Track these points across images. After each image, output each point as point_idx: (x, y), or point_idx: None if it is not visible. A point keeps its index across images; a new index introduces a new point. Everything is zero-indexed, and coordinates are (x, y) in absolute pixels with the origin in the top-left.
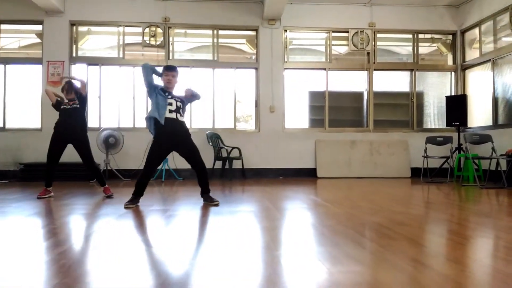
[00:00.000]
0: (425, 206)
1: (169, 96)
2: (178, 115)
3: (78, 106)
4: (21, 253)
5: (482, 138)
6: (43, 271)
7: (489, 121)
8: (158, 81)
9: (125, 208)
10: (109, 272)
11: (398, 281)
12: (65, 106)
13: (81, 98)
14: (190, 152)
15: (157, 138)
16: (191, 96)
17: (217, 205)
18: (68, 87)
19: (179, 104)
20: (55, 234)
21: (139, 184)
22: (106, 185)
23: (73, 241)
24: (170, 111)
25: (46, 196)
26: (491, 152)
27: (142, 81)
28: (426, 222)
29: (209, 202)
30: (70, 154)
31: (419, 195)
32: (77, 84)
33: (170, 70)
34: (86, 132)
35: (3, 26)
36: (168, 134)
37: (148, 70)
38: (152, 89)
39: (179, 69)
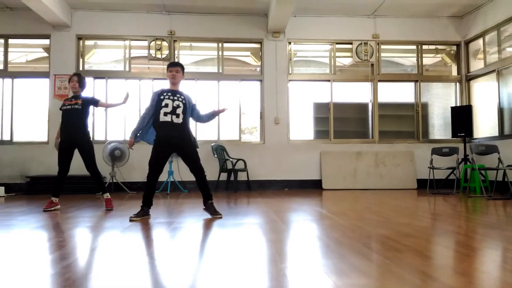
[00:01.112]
0: (432, 218)
1: (167, 96)
2: (174, 117)
3: (79, 107)
4: (27, 266)
5: (488, 148)
6: (49, 285)
7: (495, 132)
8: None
9: (130, 220)
10: (114, 286)
11: None
12: (66, 107)
13: (87, 101)
14: (187, 156)
15: (155, 142)
16: (212, 116)
17: (220, 217)
18: (79, 81)
19: (176, 104)
20: (61, 247)
21: (145, 193)
22: (109, 197)
23: (79, 255)
24: (165, 114)
25: (52, 208)
26: (498, 163)
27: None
28: (433, 234)
29: (212, 214)
30: (77, 167)
31: (426, 206)
32: (112, 101)
33: (173, 65)
34: (89, 135)
35: (11, 41)
36: (163, 138)
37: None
38: (156, 98)
39: (183, 82)
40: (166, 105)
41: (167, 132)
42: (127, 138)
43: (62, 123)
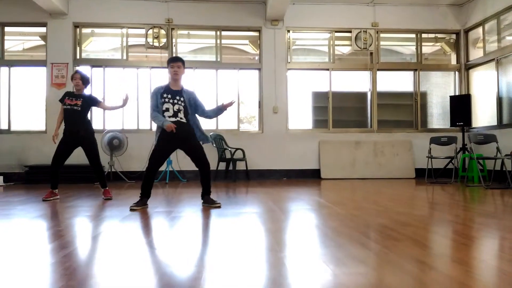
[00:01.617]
0: (430, 207)
1: (167, 99)
2: (178, 118)
3: (78, 109)
4: (26, 255)
5: (486, 138)
6: (48, 274)
7: (493, 121)
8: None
9: (130, 210)
10: (114, 275)
11: (403, 282)
12: (66, 106)
13: (90, 101)
14: (192, 150)
15: (160, 136)
16: (220, 111)
17: (219, 207)
18: (82, 79)
19: (177, 108)
20: (60, 237)
21: (143, 184)
22: (107, 188)
23: (78, 244)
24: (169, 117)
25: (52, 198)
26: (496, 152)
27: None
28: (431, 223)
29: (210, 204)
30: (75, 156)
31: (424, 195)
32: (110, 104)
33: (175, 61)
34: (93, 131)
35: (7, 29)
36: (170, 136)
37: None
38: (158, 97)
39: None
40: (167, 109)
41: (176, 131)
42: (125, 127)
43: (64, 118)
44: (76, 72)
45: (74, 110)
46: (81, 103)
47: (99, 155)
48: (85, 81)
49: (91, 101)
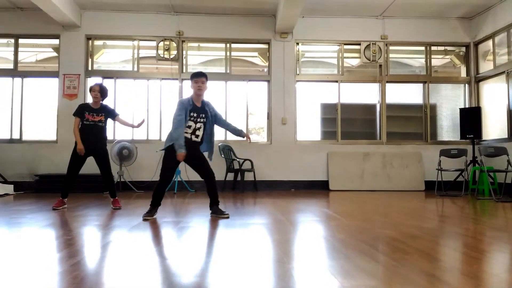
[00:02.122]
0: (440, 220)
1: (191, 118)
2: (193, 136)
3: (103, 125)
4: (35, 264)
5: (497, 150)
6: (56, 283)
7: (504, 134)
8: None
9: (144, 220)
10: (121, 284)
11: None
12: (89, 122)
13: (109, 114)
14: (199, 164)
15: (170, 152)
16: (239, 134)
17: (227, 217)
18: (101, 91)
19: (198, 126)
20: (69, 245)
21: (155, 195)
22: (117, 197)
23: (87, 253)
24: (186, 132)
25: (61, 207)
26: (507, 165)
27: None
28: (441, 236)
29: (218, 215)
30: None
31: (433, 208)
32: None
33: (199, 76)
34: (106, 143)
35: (21, 41)
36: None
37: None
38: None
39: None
40: (189, 127)
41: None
42: (135, 138)
43: (82, 135)
44: (96, 84)
45: (97, 126)
46: (104, 119)
47: (111, 167)
48: (104, 93)
49: (110, 114)
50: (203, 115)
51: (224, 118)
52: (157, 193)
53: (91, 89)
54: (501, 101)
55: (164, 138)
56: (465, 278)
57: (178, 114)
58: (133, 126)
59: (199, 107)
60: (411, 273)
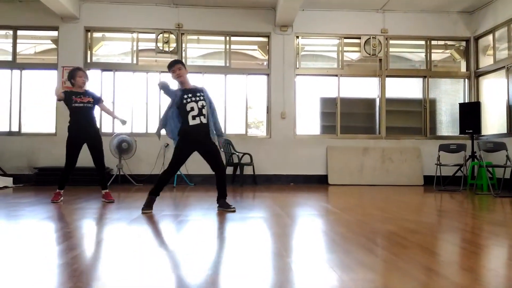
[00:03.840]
0: (438, 215)
1: (189, 99)
2: (202, 117)
3: (91, 106)
4: (35, 256)
5: (496, 146)
6: (56, 275)
7: (503, 129)
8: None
9: (143, 213)
10: (121, 277)
11: None
12: (77, 104)
13: (96, 99)
14: (211, 153)
15: (182, 143)
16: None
17: (233, 211)
18: (87, 77)
19: (201, 104)
20: (68, 238)
21: (159, 185)
22: (108, 190)
23: (86, 246)
24: (193, 117)
25: (60, 200)
26: (506, 160)
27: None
28: (439, 230)
29: (225, 208)
30: (82, 158)
31: (432, 203)
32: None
33: (172, 65)
34: (99, 130)
35: (20, 32)
36: (191, 141)
37: (165, 88)
38: (180, 105)
39: (191, 75)
40: (192, 109)
41: (197, 136)
42: (134, 131)
43: (73, 119)
44: (78, 69)
45: (87, 107)
46: (92, 101)
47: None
48: (88, 79)
49: (96, 99)
50: (200, 95)
51: (217, 111)
52: (162, 181)
53: (75, 76)
54: (500, 96)
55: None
56: (463, 272)
57: (168, 109)
58: (114, 116)
59: (190, 89)
60: (410, 267)
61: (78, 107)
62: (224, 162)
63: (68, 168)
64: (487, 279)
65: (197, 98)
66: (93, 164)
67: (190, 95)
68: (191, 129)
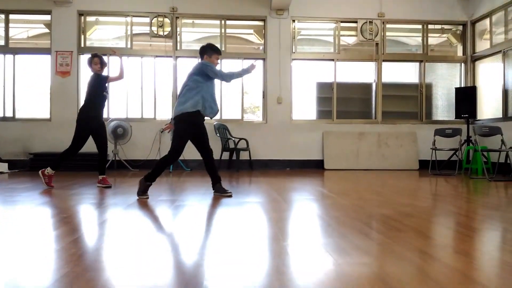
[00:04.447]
0: (433, 199)
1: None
2: (214, 104)
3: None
4: (32, 242)
5: (491, 130)
6: (54, 260)
7: (498, 113)
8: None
9: (139, 198)
10: (118, 261)
11: (406, 272)
12: (106, 94)
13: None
14: (203, 137)
15: (189, 129)
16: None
17: (230, 196)
18: (102, 63)
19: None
20: (66, 224)
21: (158, 171)
22: (105, 175)
23: (84, 231)
24: (214, 103)
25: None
26: (501, 145)
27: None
28: (434, 214)
29: (221, 193)
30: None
31: (427, 187)
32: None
33: (218, 51)
34: None
35: (12, 16)
36: (196, 127)
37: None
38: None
39: (186, 59)
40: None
41: (201, 122)
42: (130, 116)
43: (95, 104)
44: (94, 55)
45: (106, 98)
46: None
47: None
48: (104, 63)
49: (107, 81)
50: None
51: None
52: (161, 167)
53: (92, 62)
54: (496, 80)
55: (158, 117)
56: (458, 256)
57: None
58: (121, 69)
59: None
60: (405, 250)
61: (105, 96)
62: (220, 147)
63: (73, 151)
64: (481, 262)
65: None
66: (92, 150)
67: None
68: (213, 107)
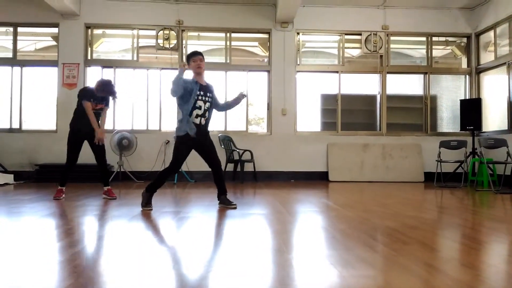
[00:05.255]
0: (439, 211)
1: (200, 97)
2: (203, 119)
3: (100, 112)
4: (36, 253)
5: (497, 142)
6: (57, 272)
7: (504, 126)
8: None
9: (143, 210)
10: (122, 273)
11: (411, 285)
12: (97, 110)
13: (107, 104)
14: (208, 151)
15: (182, 143)
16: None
17: (235, 208)
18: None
19: (207, 106)
20: (69, 235)
21: (158, 184)
22: (109, 187)
23: (87, 242)
24: (197, 116)
25: (62, 197)
26: (506, 157)
27: (172, 93)
28: (440, 226)
29: (226, 205)
30: (85, 156)
31: (433, 199)
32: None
33: (196, 54)
34: None
35: (20, 29)
36: (191, 139)
37: (180, 81)
38: (187, 92)
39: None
40: (200, 107)
41: (195, 134)
42: (135, 128)
43: (78, 116)
44: (103, 82)
45: (97, 114)
46: (103, 107)
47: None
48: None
49: (107, 105)
50: (210, 95)
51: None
52: (161, 179)
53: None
54: (501, 92)
55: (163, 128)
56: (464, 268)
57: (177, 77)
58: (93, 122)
59: (204, 86)
60: (410, 263)
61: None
62: (225, 159)
63: (69, 165)
64: (487, 275)
65: (206, 99)
66: (94, 161)
67: (202, 93)
68: (192, 123)
